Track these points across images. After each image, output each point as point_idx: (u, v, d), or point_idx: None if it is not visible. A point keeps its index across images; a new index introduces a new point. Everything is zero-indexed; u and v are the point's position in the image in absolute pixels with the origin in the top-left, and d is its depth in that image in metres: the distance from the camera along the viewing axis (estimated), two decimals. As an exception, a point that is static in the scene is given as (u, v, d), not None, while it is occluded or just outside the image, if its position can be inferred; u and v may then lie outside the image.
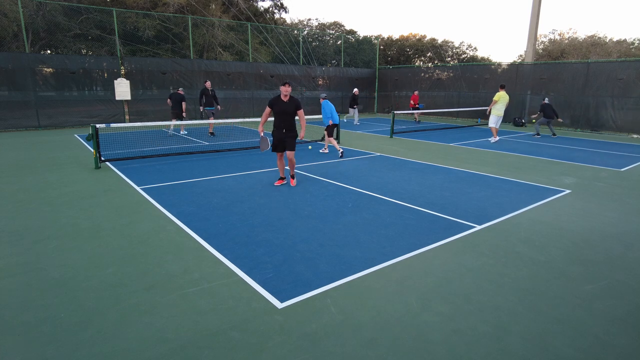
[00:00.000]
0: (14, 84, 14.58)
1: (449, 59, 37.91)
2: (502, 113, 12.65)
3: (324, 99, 10.42)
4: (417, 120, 19.39)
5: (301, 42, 23.26)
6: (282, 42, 23.27)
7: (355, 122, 18.21)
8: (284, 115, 6.39)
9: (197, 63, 18.40)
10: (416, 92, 19.41)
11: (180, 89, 12.81)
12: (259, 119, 13.16)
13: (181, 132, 13.85)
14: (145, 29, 19.41)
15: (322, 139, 11.71)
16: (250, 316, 2.98)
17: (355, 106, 18.09)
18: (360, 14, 75.43)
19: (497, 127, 12.79)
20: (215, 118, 13.68)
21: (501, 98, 12.52)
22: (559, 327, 2.91)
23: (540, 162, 9.47)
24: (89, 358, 2.52)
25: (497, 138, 12.95)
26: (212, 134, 13.39)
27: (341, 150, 9.90)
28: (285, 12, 34.00)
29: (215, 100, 13.10)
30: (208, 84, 12.93)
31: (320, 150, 10.60)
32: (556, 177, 7.84)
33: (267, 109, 6.45)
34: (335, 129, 10.89)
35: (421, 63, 37.18)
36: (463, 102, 21.26)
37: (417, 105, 18.91)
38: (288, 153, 6.56)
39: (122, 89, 15.98)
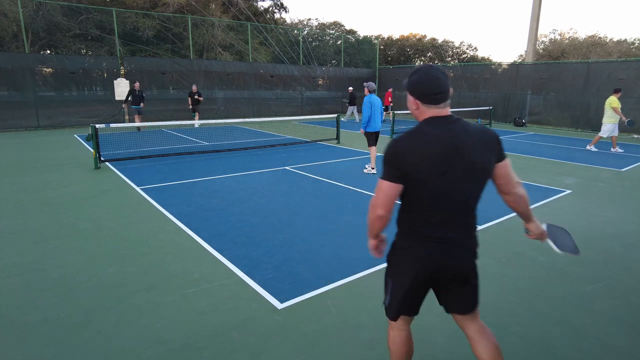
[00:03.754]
0: (13, 84, 14.58)
1: (449, 59, 37.92)
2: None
3: (369, 91, 7.53)
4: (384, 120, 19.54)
5: (301, 42, 23.26)
6: (282, 42, 23.27)
7: (346, 119, 18.22)
8: (457, 193, 1.76)
9: (197, 63, 18.40)
10: (390, 90, 19.44)
11: (194, 86, 15.33)
12: (258, 120, 13.46)
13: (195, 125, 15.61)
14: (145, 29, 19.41)
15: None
16: (250, 316, 2.98)
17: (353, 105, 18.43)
18: (360, 14, 75.46)
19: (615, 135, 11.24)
20: (201, 118, 15.72)
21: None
22: (559, 327, 2.91)
23: (541, 162, 9.47)
24: (88, 358, 2.52)
25: (619, 150, 11.53)
26: (139, 129, 14.41)
27: (372, 168, 7.88)
28: (285, 12, 34.08)
29: (142, 100, 14.29)
30: (137, 85, 14.21)
31: (364, 170, 8.02)
32: (557, 177, 7.83)
33: (391, 188, 1.74)
34: (375, 138, 7.86)
35: (421, 63, 37.18)
36: (463, 102, 21.26)
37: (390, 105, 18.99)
38: (471, 323, 1.98)
39: (122, 89, 15.97)
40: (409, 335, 2.07)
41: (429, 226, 1.79)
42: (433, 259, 1.81)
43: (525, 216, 2.01)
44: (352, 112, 18.67)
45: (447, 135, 1.70)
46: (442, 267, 1.82)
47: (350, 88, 18.72)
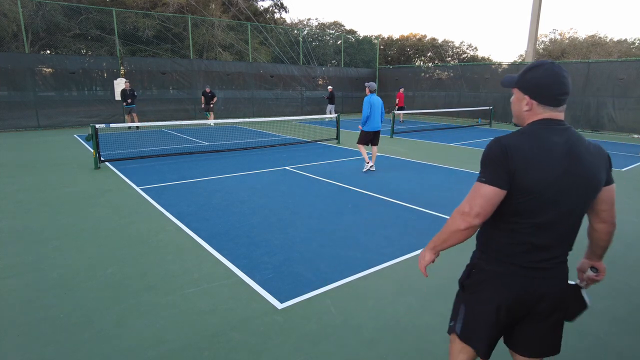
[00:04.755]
0: (13, 84, 14.58)
1: (449, 58, 37.91)
2: None
3: (370, 91, 7.70)
4: (401, 120, 19.38)
5: (301, 42, 23.26)
6: (282, 42, 23.28)
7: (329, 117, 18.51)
8: (569, 210, 1.52)
9: (197, 63, 18.40)
10: (401, 90, 19.19)
11: (207, 87, 16.30)
12: (258, 120, 13.47)
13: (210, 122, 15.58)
14: (145, 28, 19.42)
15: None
16: (250, 317, 2.98)
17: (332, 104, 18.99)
18: (360, 14, 75.45)
19: None
20: (214, 116, 16.49)
21: None
22: (559, 327, 2.90)
23: (540, 162, 9.45)
24: (88, 358, 2.52)
25: None
26: (137, 127, 14.66)
27: (370, 165, 8.02)
28: (285, 11, 34.11)
29: (134, 98, 14.70)
30: (127, 84, 14.68)
31: (364, 170, 8.05)
32: (556, 177, 7.82)
33: (495, 194, 1.46)
34: (375, 137, 8.02)
35: (421, 63, 37.17)
36: (463, 102, 21.26)
37: (403, 105, 18.76)
38: None
39: (122, 89, 16.00)
40: None
41: (527, 249, 1.53)
42: (527, 290, 1.55)
43: (602, 253, 1.74)
44: (330, 111, 19.02)
45: (566, 142, 1.47)
46: (535, 301, 1.56)
47: (330, 87, 19.08)
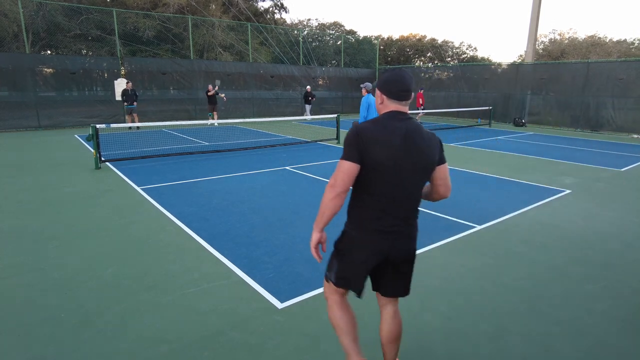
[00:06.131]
0: (14, 85, 14.59)
1: (449, 59, 37.90)
2: None
3: (367, 91, 7.83)
4: (420, 121, 19.41)
5: (301, 43, 23.27)
6: (282, 42, 23.28)
7: (309, 117, 17.85)
8: (407, 184, 1.92)
9: (197, 63, 18.41)
10: (421, 91, 19.04)
11: (210, 86, 16.35)
12: (259, 120, 13.47)
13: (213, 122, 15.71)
14: (146, 29, 19.43)
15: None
16: (250, 316, 2.98)
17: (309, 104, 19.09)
18: (360, 14, 75.46)
19: None
20: (218, 116, 16.78)
21: None
22: (559, 327, 2.91)
23: (540, 162, 9.47)
24: (89, 358, 2.52)
25: None
26: (137, 127, 14.67)
27: None
28: (285, 12, 34.10)
29: (135, 99, 14.81)
30: (129, 84, 14.75)
31: None
32: (556, 177, 7.83)
33: (352, 168, 1.84)
34: None
35: (421, 63, 37.16)
36: (463, 102, 21.26)
37: (423, 105, 18.73)
38: (390, 306, 2.24)
39: (123, 89, 16.01)
40: (349, 309, 2.23)
41: (380, 216, 1.93)
42: (383, 249, 1.98)
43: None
44: (308, 111, 19.10)
45: (405, 128, 1.89)
46: (390, 256, 2.00)
47: (309, 87, 19.21)
